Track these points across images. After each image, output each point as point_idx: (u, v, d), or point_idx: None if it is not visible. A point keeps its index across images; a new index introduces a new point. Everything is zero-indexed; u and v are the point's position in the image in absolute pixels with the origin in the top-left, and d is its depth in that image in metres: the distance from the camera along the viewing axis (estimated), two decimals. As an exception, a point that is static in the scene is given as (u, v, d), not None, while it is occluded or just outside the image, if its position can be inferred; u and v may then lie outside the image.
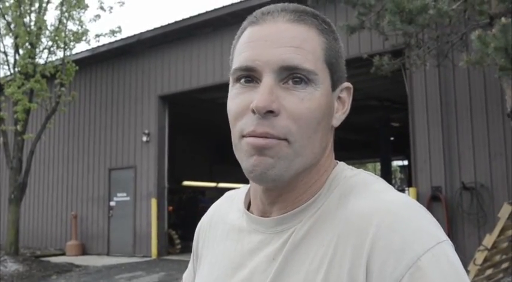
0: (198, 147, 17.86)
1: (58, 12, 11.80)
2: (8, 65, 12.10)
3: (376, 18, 7.02)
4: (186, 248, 12.33)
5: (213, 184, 17.80)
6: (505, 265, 5.56)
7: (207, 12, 11.30)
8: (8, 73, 12.24)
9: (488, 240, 5.03)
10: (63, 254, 13.20)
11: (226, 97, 0.80)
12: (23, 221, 13.41)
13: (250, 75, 0.75)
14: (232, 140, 0.77)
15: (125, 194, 12.91)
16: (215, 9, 11.16)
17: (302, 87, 0.73)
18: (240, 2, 10.70)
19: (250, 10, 0.83)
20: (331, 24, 0.81)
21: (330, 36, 0.79)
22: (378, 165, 25.80)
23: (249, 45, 0.75)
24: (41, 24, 11.62)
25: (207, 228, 0.95)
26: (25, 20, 11.61)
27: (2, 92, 12.10)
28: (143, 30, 12.51)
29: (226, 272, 0.83)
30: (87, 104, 13.97)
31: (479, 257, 5.00)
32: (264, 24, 0.76)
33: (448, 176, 8.36)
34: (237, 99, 0.76)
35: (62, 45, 11.89)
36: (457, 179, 8.24)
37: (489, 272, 5.32)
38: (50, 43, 11.94)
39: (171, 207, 13.53)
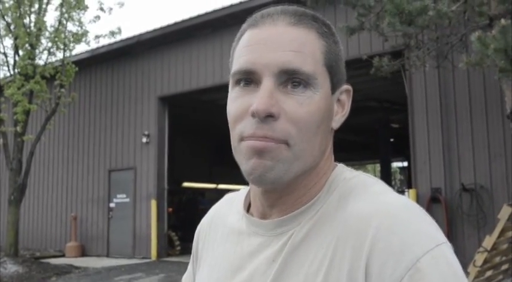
0: (198, 149, 17.85)
1: (58, 13, 11.81)
2: (8, 66, 12.11)
3: (375, 20, 7.03)
4: (186, 250, 12.32)
5: (212, 185, 17.79)
6: (504, 267, 5.56)
7: (206, 14, 11.31)
8: (8, 74, 12.24)
9: (488, 241, 5.03)
10: (63, 256, 13.20)
11: (226, 98, 0.80)
12: (22, 222, 13.40)
13: (249, 78, 0.75)
14: (232, 142, 0.77)
15: (124, 196, 12.91)
16: (214, 11, 11.17)
17: (301, 90, 0.73)
18: (240, 3, 10.71)
19: (250, 11, 0.83)
20: (331, 26, 0.81)
21: (330, 39, 0.78)
22: (378, 167, 25.80)
23: (249, 48, 0.75)
24: (40, 25, 11.63)
25: (206, 230, 0.95)
26: (25, 21, 11.62)
27: (2, 93, 12.10)
28: (143, 31, 12.50)
29: (225, 274, 0.83)
30: (86, 105, 13.98)
31: (479, 258, 5.00)
32: (263, 27, 0.76)
33: (447, 178, 8.36)
34: (236, 102, 0.76)
35: (62, 46, 11.89)
36: (457, 180, 8.24)
37: (489, 273, 5.32)
38: (50, 44, 11.94)
39: (170, 209, 13.53)
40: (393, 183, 25.40)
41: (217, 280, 0.84)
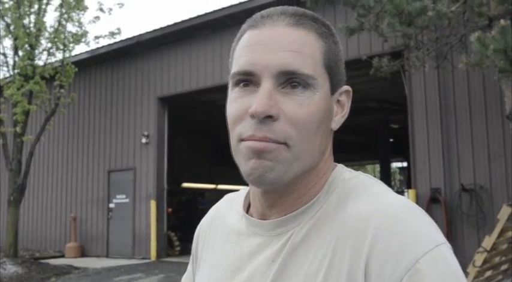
0: (198, 149, 17.85)
1: (57, 13, 11.81)
2: (8, 67, 12.11)
3: (375, 20, 7.03)
4: (186, 250, 12.31)
5: (212, 186, 17.78)
6: (504, 267, 5.56)
7: (206, 14, 11.31)
8: (7, 75, 12.24)
9: (488, 242, 5.03)
10: (62, 256, 13.19)
11: (225, 99, 0.80)
12: (22, 223, 13.39)
13: (249, 79, 0.75)
14: (231, 143, 0.77)
15: (124, 196, 12.90)
16: (214, 11, 11.18)
17: (301, 91, 0.73)
18: (239, 3, 10.71)
19: (250, 12, 0.83)
20: (331, 27, 0.81)
21: (330, 39, 0.79)
22: (377, 167, 25.81)
23: (248, 49, 0.75)
24: (40, 25, 11.63)
25: (206, 230, 0.95)
26: (24, 21, 11.62)
27: (1, 94, 12.09)
28: (142, 31, 12.54)
29: (225, 274, 0.83)
30: (86, 105, 13.97)
31: (479, 258, 5.00)
32: (263, 27, 0.76)
33: (447, 178, 8.36)
34: (235, 103, 0.76)
35: (61, 47, 11.89)
36: (457, 180, 8.24)
37: (488, 273, 5.32)
38: (49, 45, 11.94)
39: (170, 209, 13.52)
40: (393, 183, 25.41)
41: (216, 280, 0.84)
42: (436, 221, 0.73)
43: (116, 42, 12.76)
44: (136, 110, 12.87)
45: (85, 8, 11.89)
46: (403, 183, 27.51)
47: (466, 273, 4.86)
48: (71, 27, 12.99)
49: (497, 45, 4.73)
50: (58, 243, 14.09)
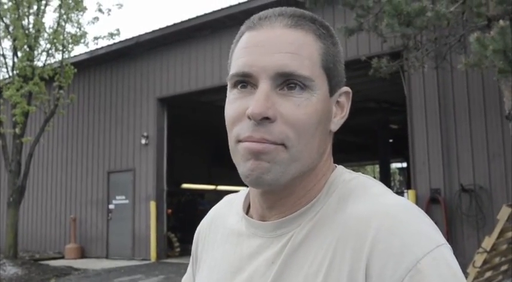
0: (197, 150, 17.85)
1: (56, 14, 11.81)
2: (7, 68, 12.11)
3: (374, 21, 7.04)
4: (185, 251, 12.31)
5: (212, 187, 17.78)
6: (504, 267, 5.56)
7: (205, 15, 11.32)
8: (7, 76, 12.23)
9: (488, 242, 5.03)
10: (62, 257, 13.18)
11: (224, 99, 0.80)
12: (21, 224, 13.38)
13: (246, 81, 0.75)
14: (229, 144, 0.77)
15: (123, 197, 12.90)
16: (213, 12, 11.18)
17: (298, 93, 0.73)
18: (238, 4, 10.72)
19: (249, 13, 0.83)
20: (330, 28, 0.80)
21: (328, 41, 0.78)
22: (377, 168, 25.83)
23: (246, 50, 0.76)
24: (39, 26, 11.62)
25: (206, 231, 0.95)
26: (23, 22, 11.61)
27: (1, 95, 12.09)
28: (142, 32, 12.51)
29: (225, 276, 0.83)
30: (85, 106, 13.97)
31: (479, 259, 5.00)
32: (261, 29, 0.76)
33: (447, 178, 8.36)
34: (234, 105, 0.76)
35: (61, 48, 11.89)
36: (456, 181, 8.25)
37: (488, 274, 5.31)
38: (49, 46, 11.94)
39: (170, 210, 13.51)
40: (392, 184, 25.41)
41: (216, 281, 0.84)
42: (436, 222, 0.73)
43: (115, 43, 12.77)
44: (136, 110, 12.87)
45: (84, 9, 11.88)
46: (402, 183, 27.52)
47: (466, 274, 4.86)
48: (70, 28, 13.05)
49: (496, 45, 4.73)
50: (58, 244, 14.08)
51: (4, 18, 11.64)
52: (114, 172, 13.18)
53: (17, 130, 11.58)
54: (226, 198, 0.99)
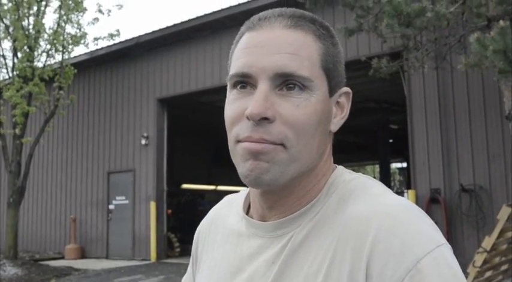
0: (197, 150, 17.85)
1: (56, 15, 11.82)
2: (7, 69, 12.11)
3: (374, 21, 7.04)
4: (185, 251, 12.31)
5: (212, 187, 17.78)
6: (504, 267, 5.56)
7: (205, 15, 11.32)
8: (7, 76, 12.24)
9: (488, 242, 5.03)
10: (62, 258, 13.18)
11: (224, 100, 0.80)
12: (21, 224, 13.38)
13: (246, 81, 0.75)
14: (229, 144, 0.77)
15: (123, 197, 12.90)
16: (213, 12, 11.18)
17: (297, 93, 0.73)
18: (238, 5, 10.72)
19: (248, 13, 0.84)
20: (330, 28, 0.80)
21: (328, 41, 0.78)
22: (377, 168, 25.83)
23: (246, 51, 0.76)
24: (39, 27, 11.63)
25: (206, 232, 0.95)
26: (23, 23, 11.62)
27: (1, 96, 12.09)
28: (142, 33, 12.51)
29: (225, 276, 0.83)
30: (85, 107, 13.97)
31: (479, 259, 5.00)
32: (260, 30, 0.76)
33: (447, 178, 8.36)
34: (233, 105, 0.76)
35: (61, 49, 11.89)
36: (456, 181, 8.25)
37: (488, 274, 5.31)
38: (49, 46, 11.95)
39: (170, 210, 13.51)
40: (392, 184, 25.41)
41: (216, 281, 0.84)
42: (436, 222, 0.73)
43: (115, 44, 12.77)
44: (136, 111, 12.87)
45: (84, 10, 11.88)
46: (402, 183, 27.52)
47: (466, 274, 4.86)
48: (70, 29, 13.03)
49: (496, 46, 4.73)
50: (58, 244, 14.08)
51: (4, 19, 11.64)
52: (114, 172, 13.18)
53: (17, 131, 11.58)
54: (226, 198, 0.99)
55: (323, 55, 0.76)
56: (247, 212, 0.87)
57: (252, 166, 0.72)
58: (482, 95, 8.14)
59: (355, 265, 0.68)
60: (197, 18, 11.46)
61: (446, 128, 8.47)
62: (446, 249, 0.68)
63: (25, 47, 11.51)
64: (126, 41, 12.67)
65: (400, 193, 19.63)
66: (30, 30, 11.66)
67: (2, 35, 11.87)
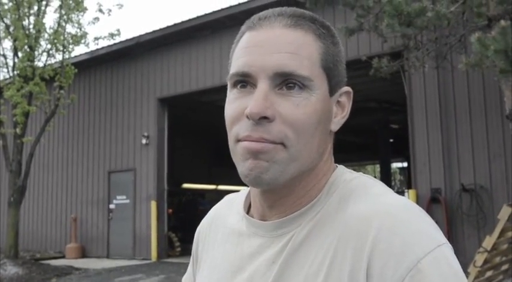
0: (198, 150, 17.85)
1: (57, 15, 11.82)
2: (7, 68, 12.12)
3: (374, 21, 7.03)
4: (186, 251, 12.31)
5: (212, 186, 17.78)
6: (505, 267, 5.56)
7: (205, 15, 11.32)
8: (7, 76, 12.24)
9: (488, 242, 5.03)
10: (63, 257, 13.19)
11: (225, 99, 0.81)
12: (22, 224, 13.39)
13: (246, 81, 0.75)
14: (229, 143, 0.78)
15: (124, 197, 12.91)
16: (213, 12, 11.18)
17: (297, 92, 0.73)
18: (238, 4, 10.72)
19: (249, 13, 0.84)
20: (331, 28, 0.80)
21: (328, 40, 0.78)
22: (377, 168, 25.81)
23: (246, 50, 0.76)
24: (39, 27, 11.63)
25: (206, 231, 0.95)
26: (24, 23, 11.62)
27: (1, 95, 12.10)
28: (142, 32, 12.51)
29: (226, 275, 0.83)
30: (86, 106, 13.98)
31: (479, 258, 5.00)
32: (260, 29, 0.76)
33: (447, 178, 8.36)
34: (233, 104, 0.76)
35: (61, 48, 11.89)
36: (457, 180, 8.24)
37: (489, 273, 5.31)
38: (49, 46, 11.95)
39: (170, 210, 13.52)
40: (393, 183, 25.41)
41: (217, 281, 0.84)
42: (437, 221, 0.73)
43: (115, 43, 12.77)
44: (136, 111, 12.87)
45: (84, 9, 11.89)
46: (403, 183, 27.51)
47: (467, 274, 4.86)
48: (70, 29, 13.04)
49: (497, 45, 4.73)
50: (58, 244, 14.09)
51: (5, 19, 11.65)
52: (115, 172, 13.18)
53: (18, 130, 11.59)
54: (226, 197, 0.99)
55: (323, 54, 0.76)
56: (248, 212, 0.87)
57: (251, 165, 0.72)
58: (483, 95, 8.14)
59: (355, 264, 0.68)
60: (197, 17, 11.45)
61: (446, 128, 8.47)
62: (447, 249, 0.68)
63: (26, 47, 11.51)
64: (127, 40, 12.67)
65: (401, 193, 19.62)
66: (31, 30, 11.67)
67: (3, 34, 11.88)
